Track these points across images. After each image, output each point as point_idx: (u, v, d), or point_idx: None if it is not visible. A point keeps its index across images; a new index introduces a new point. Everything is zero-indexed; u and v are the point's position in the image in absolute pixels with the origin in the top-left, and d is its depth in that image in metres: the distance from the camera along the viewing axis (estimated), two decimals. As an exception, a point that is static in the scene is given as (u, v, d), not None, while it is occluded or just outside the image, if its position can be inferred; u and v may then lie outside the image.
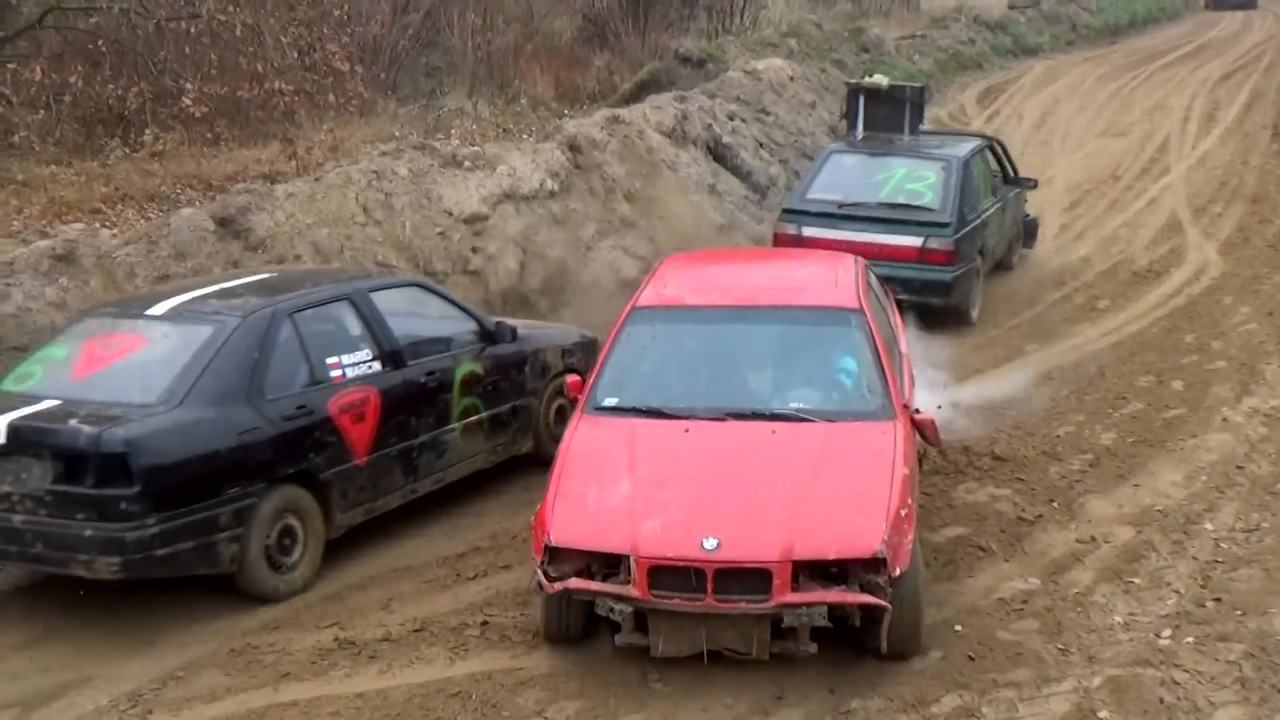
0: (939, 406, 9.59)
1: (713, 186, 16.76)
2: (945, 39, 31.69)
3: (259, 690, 6.97)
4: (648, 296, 8.74)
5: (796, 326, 8.41)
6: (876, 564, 6.64)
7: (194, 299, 8.71)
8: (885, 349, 8.20)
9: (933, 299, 13.37)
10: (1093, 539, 8.48)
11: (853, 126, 16.23)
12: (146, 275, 11.31)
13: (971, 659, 7.04)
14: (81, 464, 7.43)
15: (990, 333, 13.60)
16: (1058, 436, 10.36)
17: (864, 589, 6.66)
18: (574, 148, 15.17)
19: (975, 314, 14.12)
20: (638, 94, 20.98)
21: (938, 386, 10.67)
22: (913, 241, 13.42)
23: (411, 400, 9.00)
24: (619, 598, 6.77)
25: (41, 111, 16.56)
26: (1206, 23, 45.59)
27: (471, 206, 13.57)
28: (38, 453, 7.56)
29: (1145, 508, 8.94)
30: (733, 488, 7.14)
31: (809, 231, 13.70)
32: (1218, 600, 7.60)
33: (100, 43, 17.06)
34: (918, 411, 8.10)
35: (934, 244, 13.42)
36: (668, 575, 6.68)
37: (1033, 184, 16.38)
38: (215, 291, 8.91)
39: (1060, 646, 7.14)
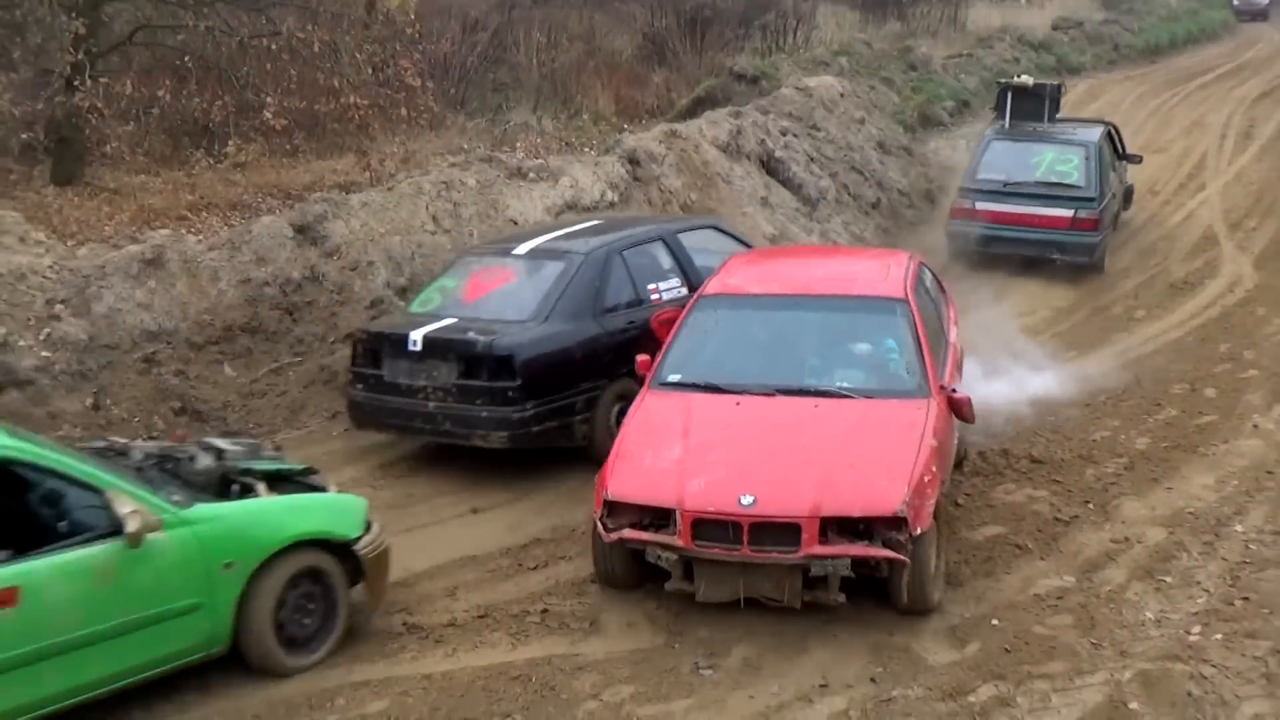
0: None
1: (765, 199, 16.79)
2: (990, 58, 31.46)
3: (332, 670, 7.08)
4: (713, 286, 9.36)
5: (845, 314, 8.89)
6: (898, 522, 7.08)
7: (547, 241, 11.09)
8: (927, 335, 8.57)
9: (1081, 258, 16.17)
10: (1126, 539, 8.47)
11: (1001, 116, 18.43)
12: (230, 279, 11.53)
13: (1008, 651, 7.04)
14: (478, 364, 9.71)
15: (1032, 340, 13.55)
16: (1094, 440, 10.34)
17: (886, 545, 7.10)
18: (633, 160, 15.25)
19: (1105, 266, 16.70)
20: (694, 110, 21.04)
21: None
22: (1066, 213, 16.15)
23: None
24: (666, 546, 7.31)
25: (131, 123, 16.85)
26: (1245, 43, 45.03)
27: (535, 216, 13.67)
28: (445, 356, 9.82)
29: (1177, 510, 8.92)
30: (773, 453, 7.61)
31: (980, 205, 16.59)
32: (1246, 599, 7.56)
33: (187, 58, 17.31)
34: (954, 391, 8.37)
35: (1083, 215, 16.15)
36: (709, 527, 7.20)
37: (1138, 159, 19.14)
38: (561, 235, 11.28)
39: (1093, 641, 7.14)
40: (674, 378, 8.55)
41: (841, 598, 7.26)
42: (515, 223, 13.45)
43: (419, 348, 9.86)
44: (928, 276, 10.00)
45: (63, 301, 10.67)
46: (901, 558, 7.08)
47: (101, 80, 15.57)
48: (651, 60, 26.77)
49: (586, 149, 18.08)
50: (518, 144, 18.64)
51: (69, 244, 12.21)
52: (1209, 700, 6.48)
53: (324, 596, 7.17)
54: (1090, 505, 9.06)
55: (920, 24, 35.77)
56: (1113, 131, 18.30)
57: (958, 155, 23.03)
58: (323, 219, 12.39)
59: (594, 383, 10.01)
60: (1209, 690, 6.56)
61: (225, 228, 13.35)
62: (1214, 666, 6.79)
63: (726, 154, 16.91)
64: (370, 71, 18.11)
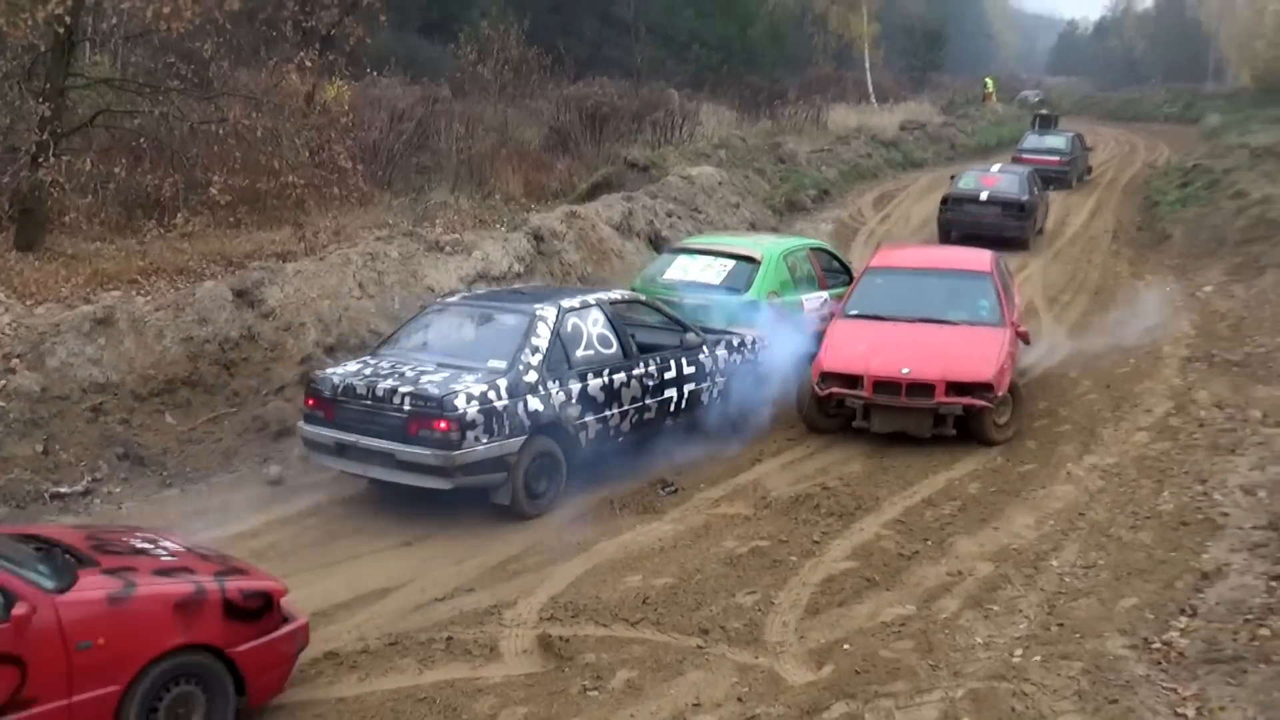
0: None
1: (652, 271, 16.77)
2: (848, 153, 32.07)
3: (255, 694, 6.82)
4: (874, 263, 13.31)
5: (957, 279, 12.76)
6: (989, 385, 11.06)
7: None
8: (1004, 293, 12.53)
9: (1058, 178, 30.12)
10: (959, 572, 8.49)
11: (1033, 127, 37.94)
12: (173, 337, 11.24)
13: (858, 673, 7.00)
14: (1009, 206, 21.74)
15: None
16: (931, 485, 10.38)
17: (982, 399, 11.06)
18: (538, 237, 15.19)
19: (1075, 183, 32.02)
20: (593, 193, 21.06)
21: None
22: (1055, 158, 31.36)
23: None
24: (857, 397, 11.22)
25: (90, 196, 16.43)
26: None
27: (450, 284, 13.52)
28: (995, 203, 21.40)
29: (1003, 547, 8.96)
30: (918, 348, 11.48)
31: (1023, 156, 31.05)
32: (1061, 625, 7.61)
33: (142, 140, 16.95)
34: (1019, 326, 12.45)
35: (1063, 159, 31.67)
36: (883, 385, 11.14)
37: (1091, 149, 36.00)
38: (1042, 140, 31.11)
39: (931, 663, 7.13)
40: (854, 312, 12.39)
41: (953, 432, 11.21)
42: (433, 290, 13.28)
43: (985, 199, 21.54)
44: (1003, 263, 13.84)
45: (19, 356, 10.30)
46: (990, 405, 11.10)
47: (64, 157, 15.15)
48: (556, 149, 26.81)
49: (498, 225, 17.95)
50: (437, 220, 18.47)
51: (27, 304, 11.81)
52: (1029, 715, 6.47)
53: None
54: (929, 542, 9.08)
55: (788, 123, 36.36)
56: (1081, 135, 35.26)
57: (820, 237, 23.34)
58: (260, 284, 12.15)
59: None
60: (1029, 706, 6.55)
61: (172, 291, 13.00)
62: (1034, 685, 6.78)
63: (620, 232, 16.92)
64: (307, 154, 17.85)
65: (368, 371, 9.68)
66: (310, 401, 9.77)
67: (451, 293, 12.61)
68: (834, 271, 14.23)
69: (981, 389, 11.04)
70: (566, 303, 10.29)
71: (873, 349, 11.51)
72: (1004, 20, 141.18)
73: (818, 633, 7.56)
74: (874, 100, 51.42)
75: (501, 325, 10.14)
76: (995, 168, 24.48)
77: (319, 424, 9.68)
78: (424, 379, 9.35)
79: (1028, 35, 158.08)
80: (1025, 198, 22.48)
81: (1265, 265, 18.87)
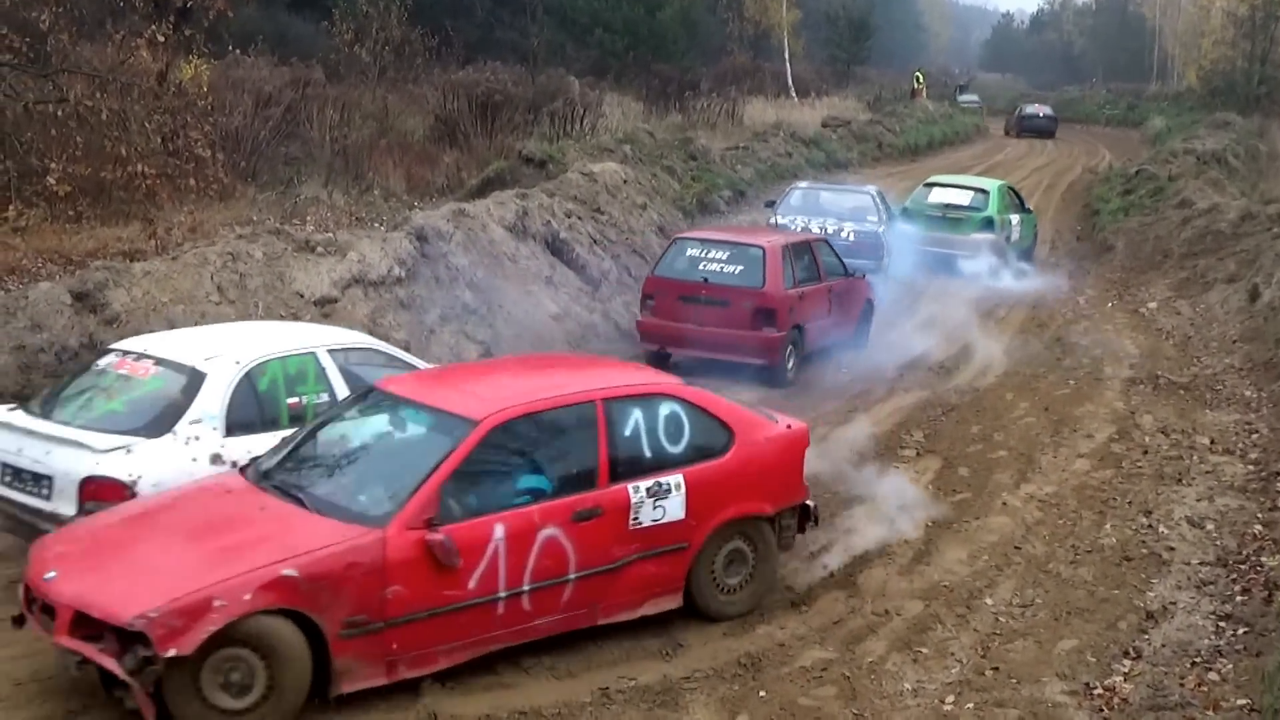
0: None
1: (549, 278, 16.75)
2: (765, 151, 32.30)
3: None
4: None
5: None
6: None
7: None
8: None
9: (1047, 132, 59.38)
10: (886, 612, 8.58)
11: (957, 92, 71.07)
12: (3, 346, 10.93)
13: (775, 723, 7.04)
14: None
15: (807, 415, 13.71)
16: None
17: None
18: (421, 238, 15.05)
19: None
20: (483, 190, 20.94)
21: None
22: (1046, 123, 61.02)
23: None
24: None
25: (-94, 184, 15.98)
26: (995, 147, 47.43)
27: (322, 289, 13.35)
28: None
29: (934, 584, 9.08)
30: None
31: (1020, 119, 62.16)
32: (995, 670, 7.74)
33: (-34, 122, 16.56)
34: None
35: (1050, 122, 61.92)
36: None
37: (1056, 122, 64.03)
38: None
39: (855, 711, 7.20)
40: None
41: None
42: (301, 295, 13.10)
43: (1041, 115, 62.96)
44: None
45: None
46: None
47: (-125, 139, 14.76)
48: (443, 141, 26.70)
49: (376, 224, 17.79)
50: (307, 217, 18.27)
51: None
52: (962, 768, 6.56)
53: None
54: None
55: (700, 117, 36.68)
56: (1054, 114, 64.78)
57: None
58: (104, 286, 11.89)
59: None
60: (962, 759, 6.65)
61: (1, 293, 12.67)
62: (967, 735, 6.89)
63: (513, 234, 16.84)
64: (159, 141, 17.59)
65: (799, 220, 20.39)
66: None
67: (799, 180, 25.46)
68: (1019, 205, 24.38)
69: None
70: (874, 187, 22.73)
71: None
72: (935, 11, 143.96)
73: (730, 682, 7.57)
74: (794, 94, 52.09)
75: (856, 198, 21.67)
76: (1036, 105, 63.43)
77: None
78: (846, 225, 20.31)
79: (961, 27, 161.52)
80: (1055, 115, 61.21)
81: (1212, 280, 19.47)
